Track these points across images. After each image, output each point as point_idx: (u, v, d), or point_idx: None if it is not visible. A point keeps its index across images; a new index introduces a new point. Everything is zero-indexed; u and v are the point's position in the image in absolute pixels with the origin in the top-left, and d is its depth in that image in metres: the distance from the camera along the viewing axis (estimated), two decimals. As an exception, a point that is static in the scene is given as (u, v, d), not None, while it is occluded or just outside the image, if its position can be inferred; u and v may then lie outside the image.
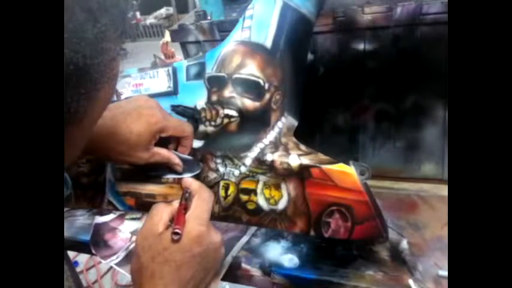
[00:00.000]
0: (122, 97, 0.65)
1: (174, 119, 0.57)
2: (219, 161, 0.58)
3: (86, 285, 1.74)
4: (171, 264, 0.42)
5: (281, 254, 0.58)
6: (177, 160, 0.57)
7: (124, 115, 0.52)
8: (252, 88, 0.56)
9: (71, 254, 1.40)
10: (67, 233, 0.70)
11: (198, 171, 0.58)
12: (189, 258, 0.43)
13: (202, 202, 0.48)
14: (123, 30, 0.31)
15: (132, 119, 0.52)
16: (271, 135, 0.56)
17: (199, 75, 0.59)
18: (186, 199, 0.48)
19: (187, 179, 0.54)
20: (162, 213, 0.46)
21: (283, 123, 0.57)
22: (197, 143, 0.60)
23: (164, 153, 0.56)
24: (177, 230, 0.43)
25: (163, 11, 6.50)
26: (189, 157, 0.58)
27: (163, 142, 0.56)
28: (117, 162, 0.55)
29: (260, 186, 0.56)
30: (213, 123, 0.58)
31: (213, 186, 0.59)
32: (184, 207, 0.47)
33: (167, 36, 3.21)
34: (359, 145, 0.74)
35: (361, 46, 0.66)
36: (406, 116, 0.69)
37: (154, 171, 0.59)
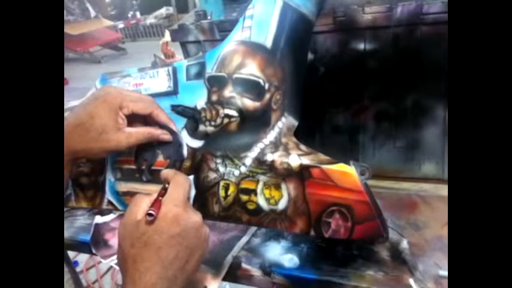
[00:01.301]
0: None
1: (131, 94, 0.57)
2: (219, 161, 0.58)
3: (86, 285, 1.74)
4: (150, 247, 0.43)
5: (281, 254, 0.58)
6: (158, 131, 0.58)
7: (82, 106, 0.54)
8: (252, 88, 0.56)
9: (71, 254, 1.40)
10: (67, 233, 0.70)
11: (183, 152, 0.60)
12: (167, 239, 0.43)
13: (177, 185, 0.49)
14: None
15: (89, 105, 0.54)
16: (271, 135, 0.56)
17: (200, 75, 0.59)
18: (165, 189, 0.49)
19: (164, 170, 0.54)
20: (141, 202, 0.46)
21: (284, 123, 0.57)
22: (197, 143, 0.60)
23: (142, 129, 0.57)
24: (150, 211, 0.43)
25: (163, 11, 6.51)
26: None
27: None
28: (100, 154, 0.56)
29: (260, 186, 0.56)
30: (213, 123, 0.58)
31: (213, 186, 0.59)
32: (161, 195, 0.47)
33: (167, 36, 3.21)
34: (359, 145, 0.74)
35: (361, 46, 0.65)
36: (406, 116, 0.69)
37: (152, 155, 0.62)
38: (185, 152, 0.60)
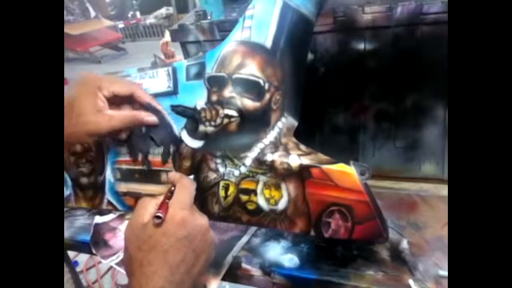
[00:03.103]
0: None
1: (110, 77, 0.58)
2: (219, 161, 0.58)
3: (86, 285, 1.74)
4: (157, 250, 0.42)
5: (281, 254, 0.58)
6: (143, 113, 0.58)
7: (66, 93, 0.54)
8: (252, 88, 0.56)
9: (71, 254, 1.40)
10: (67, 233, 0.70)
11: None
12: (174, 242, 0.43)
13: (183, 188, 0.49)
14: None
15: (70, 90, 0.54)
16: (271, 136, 0.56)
17: (199, 75, 0.59)
18: (171, 192, 0.49)
19: (170, 173, 0.54)
20: (147, 205, 0.46)
21: (283, 123, 0.57)
22: (197, 143, 0.60)
23: (125, 112, 0.57)
24: (158, 214, 0.43)
25: (163, 11, 6.51)
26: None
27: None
28: (82, 137, 0.56)
29: (260, 186, 0.56)
30: (213, 123, 0.58)
31: (213, 186, 0.59)
32: (168, 198, 0.47)
33: (167, 36, 3.21)
34: (359, 145, 0.74)
35: (361, 46, 0.66)
36: (406, 116, 0.69)
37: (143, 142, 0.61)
38: (177, 132, 0.60)
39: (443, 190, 0.68)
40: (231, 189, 0.58)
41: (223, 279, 0.57)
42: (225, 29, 0.68)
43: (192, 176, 0.60)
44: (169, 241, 0.43)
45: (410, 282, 0.51)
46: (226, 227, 0.64)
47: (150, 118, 0.58)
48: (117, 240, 0.66)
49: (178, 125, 0.60)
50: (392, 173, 0.73)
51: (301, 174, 0.52)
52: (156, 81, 0.62)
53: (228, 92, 0.57)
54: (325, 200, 0.52)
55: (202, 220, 0.46)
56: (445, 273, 0.51)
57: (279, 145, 0.56)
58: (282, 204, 0.55)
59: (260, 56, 0.56)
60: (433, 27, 0.60)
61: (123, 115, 0.56)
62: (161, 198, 0.47)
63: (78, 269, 1.75)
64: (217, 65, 0.58)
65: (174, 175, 0.53)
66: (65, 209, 0.75)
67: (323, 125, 0.75)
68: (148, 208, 0.46)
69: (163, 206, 0.45)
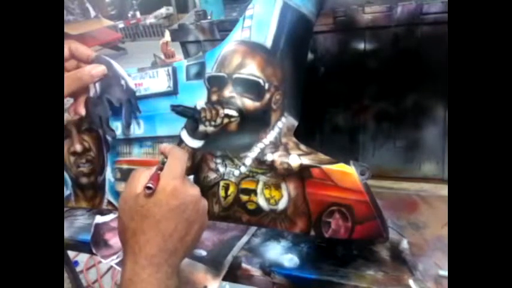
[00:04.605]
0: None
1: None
2: (219, 161, 0.58)
3: (86, 285, 1.74)
4: (150, 219, 0.43)
5: (281, 254, 0.58)
6: (86, 67, 0.55)
7: None
8: (252, 88, 0.56)
9: (71, 254, 1.40)
10: (67, 233, 0.70)
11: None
12: (167, 211, 0.44)
13: (174, 160, 0.49)
14: None
15: None
16: (271, 135, 0.56)
17: (199, 75, 0.59)
18: (163, 163, 0.49)
19: (162, 145, 0.54)
20: (139, 176, 0.46)
21: (283, 123, 0.57)
22: (197, 143, 0.60)
23: (69, 74, 0.54)
24: (149, 185, 0.44)
25: (163, 11, 6.50)
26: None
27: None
28: None
29: (260, 186, 0.56)
30: (213, 123, 0.58)
31: (213, 186, 0.59)
32: (160, 169, 0.47)
33: (167, 36, 3.20)
34: (359, 145, 0.74)
35: (361, 46, 0.65)
36: (406, 116, 0.69)
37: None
38: (131, 84, 0.58)
39: (443, 190, 0.68)
40: (231, 189, 0.58)
41: (223, 279, 0.57)
42: (225, 28, 0.67)
43: (192, 176, 0.60)
44: (161, 211, 0.43)
45: (411, 282, 0.51)
46: (226, 227, 0.64)
47: (98, 69, 0.54)
48: (118, 240, 0.66)
49: (178, 125, 0.60)
50: (393, 173, 0.73)
51: (302, 174, 0.52)
52: (156, 81, 0.62)
53: (228, 91, 0.57)
54: (325, 200, 0.52)
55: (193, 190, 0.47)
56: (445, 273, 0.51)
57: (279, 145, 0.56)
58: (282, 204, 0.55)
59: (260, 55, 0.56)
60: (433, 27, 0.60)
61: (67, 77, 0.52)
62: (153, 169, 0.48)
63: (78, 269, 1.75)
64: (217, 65, 0.58)
65: (165, 146, 0.52)
66: (65, 209, 0.75)
67: (323, 125, 0.75)
68: (140, 179, 0.46)
69: (155, 176, 0.46)
